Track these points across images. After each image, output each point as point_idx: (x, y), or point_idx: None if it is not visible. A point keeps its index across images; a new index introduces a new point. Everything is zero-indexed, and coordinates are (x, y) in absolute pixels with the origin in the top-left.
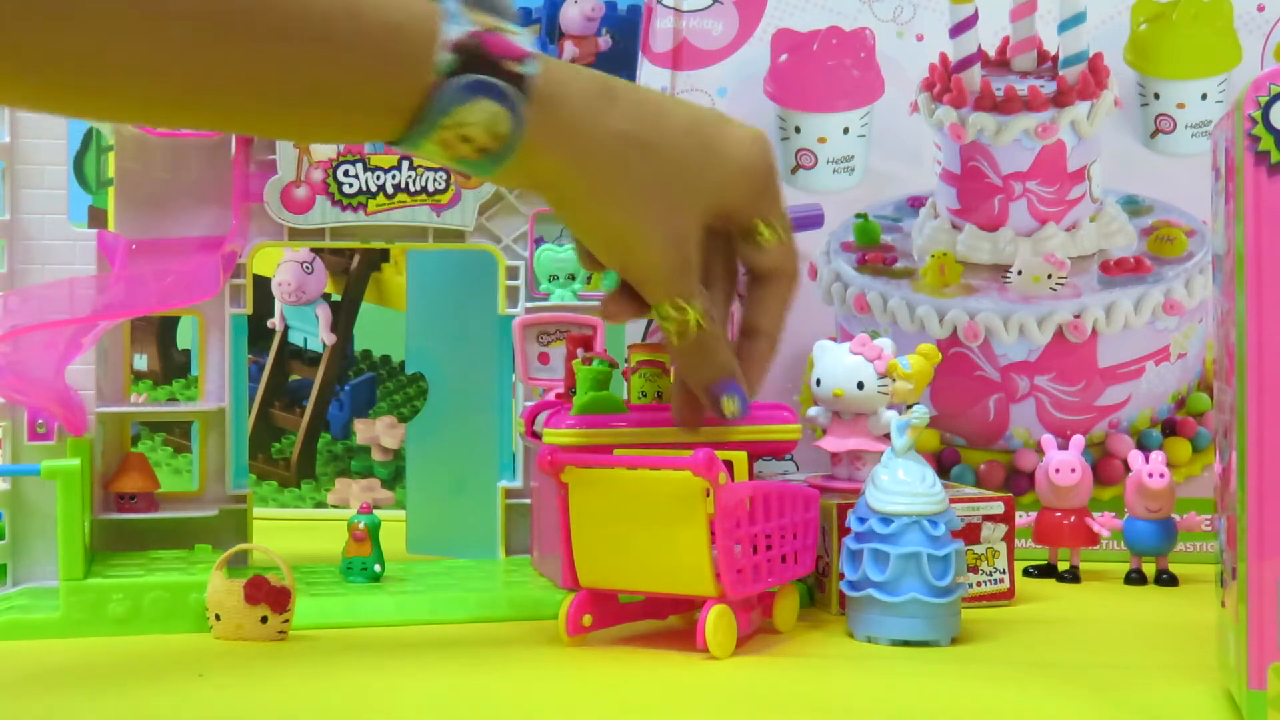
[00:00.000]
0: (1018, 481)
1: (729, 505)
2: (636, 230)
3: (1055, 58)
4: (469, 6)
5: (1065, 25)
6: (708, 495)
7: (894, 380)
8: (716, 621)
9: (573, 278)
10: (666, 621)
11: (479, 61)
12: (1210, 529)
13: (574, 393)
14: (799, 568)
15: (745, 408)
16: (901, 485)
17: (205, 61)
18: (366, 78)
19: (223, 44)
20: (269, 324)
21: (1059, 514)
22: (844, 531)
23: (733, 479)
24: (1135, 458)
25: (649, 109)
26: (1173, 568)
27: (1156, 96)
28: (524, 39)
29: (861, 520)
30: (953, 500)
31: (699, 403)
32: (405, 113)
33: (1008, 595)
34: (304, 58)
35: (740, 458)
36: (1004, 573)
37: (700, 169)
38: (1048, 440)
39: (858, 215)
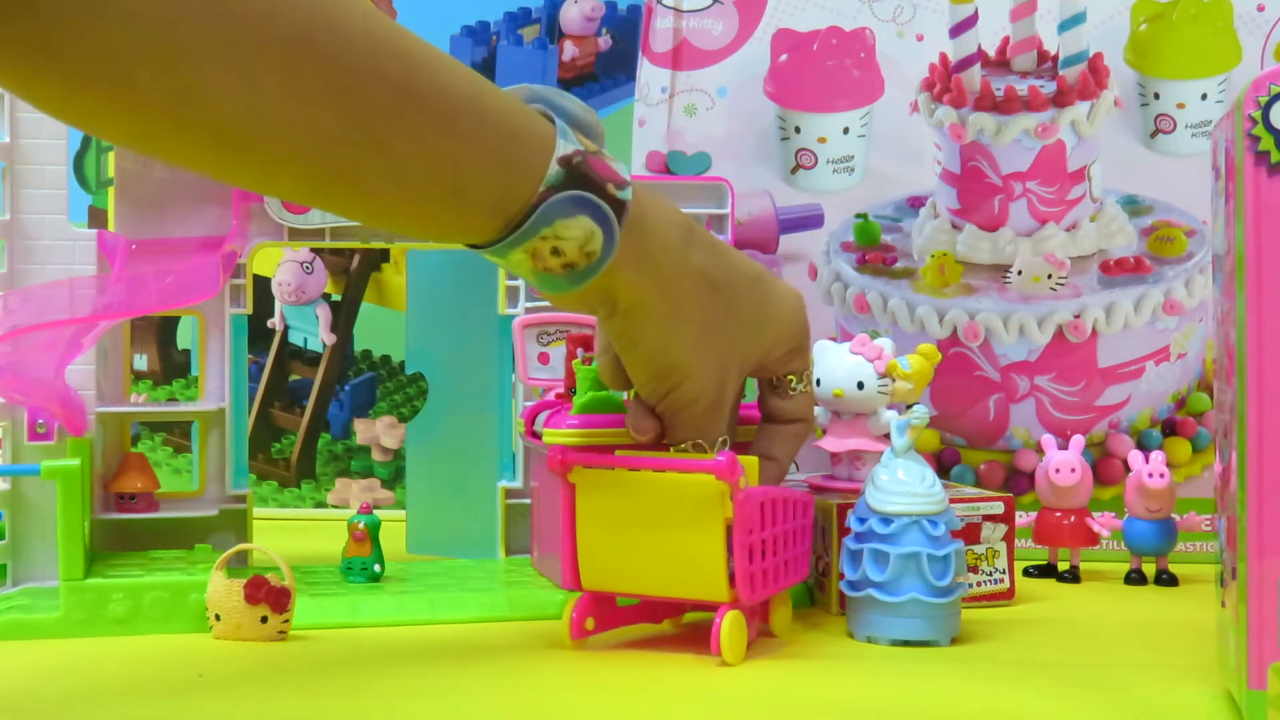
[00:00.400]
0: (1018, 481)
1: (747, 509)
2: (693, 366)
3: (1055, 58)
4: (574, 127)
5: (1065, 25)
6: (727, 499)
7: (894, 380)
8: (731, 627)
9: None
10: (661, 626)
11: (584, 180)
12: (1210, 529)
13: (574, 393)
14: (796, 574)
15: None
16: (901, 485)
17: (355, 154)
18: (488, 177)
19: (374, 138)
20: (269, 324)
21: (1059, 514)
22: (844, 531)
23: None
24: (1135, 458)
25: (722, 252)
26: (1173, 568)
27: (1156, 96)
28: (622, 167)
29: (861, 520)
30: (953, 500)
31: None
32: (509, 216)
33: (1008, 595)
34: (441, 153)
35: (751, 462)
36: (1004, 573)
37: (759, 321)
38: (1048, 440)
39: (858, 215)
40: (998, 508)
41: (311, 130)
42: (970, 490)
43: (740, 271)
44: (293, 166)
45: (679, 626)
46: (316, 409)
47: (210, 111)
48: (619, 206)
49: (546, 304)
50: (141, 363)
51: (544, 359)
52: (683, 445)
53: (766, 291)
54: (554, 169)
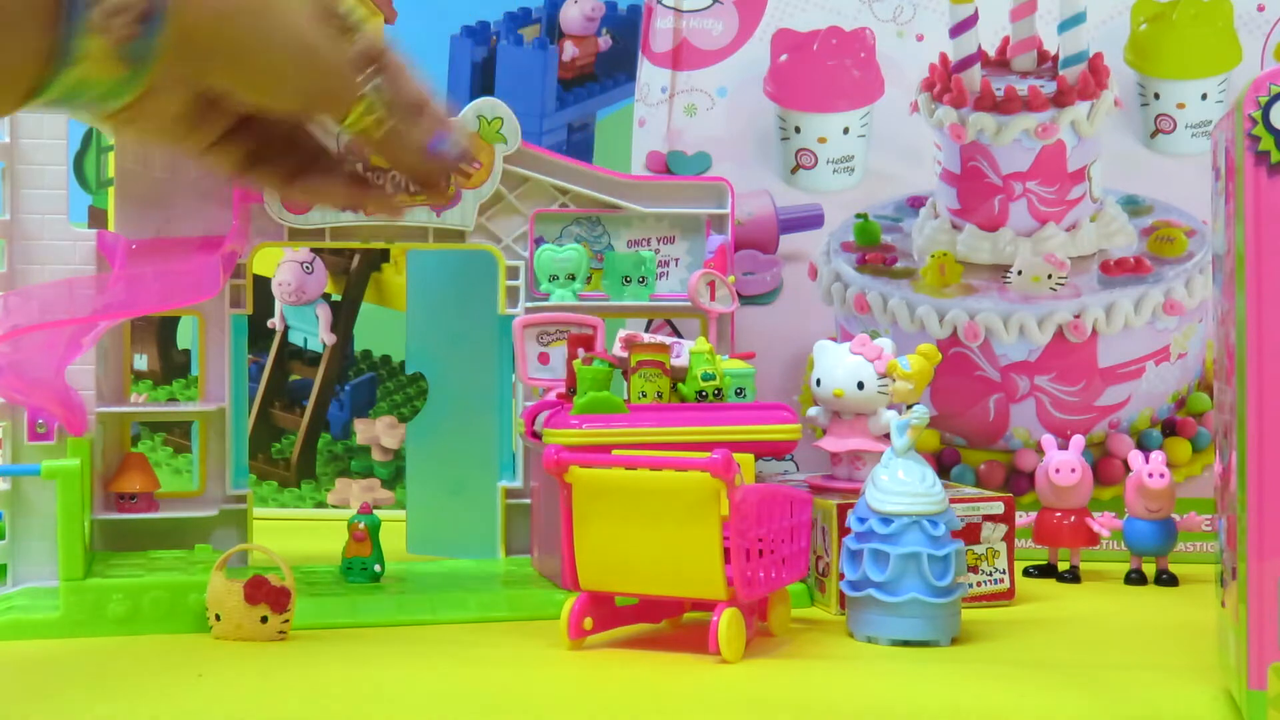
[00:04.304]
0: (1018, 481)
1: (743, 507)
2: (293, 59)
3: (1055, 58)
4: None
5: (1065, 25)
6: (723, 496)
7: (894, 380)
8: (729, 625)
9: (573, 277)
10: (659, 625)
11: None
12: (1210, 529)
13: (574, 393)
14: (794, 572)
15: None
16: (901, 485)
17: None
18: None
19: None
20: (269, 324)
21: (1059, 514)
22: (844, 531)
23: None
24: (1135, 458)
25: None
26: (1173, 568)
27: (1156, 96)
28: None
29: (861, 520)
30: (953, 500)
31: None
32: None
33: (1008, 595)
34: None
35: (747, 460)
36: (1004, 573)
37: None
38: (1048, 440)
39: (858, 215)
40: (998, 508)
41: None
42: (970, 490)
43: None
44: None
45: (677, 626)
46: (316, 409)
47: None
48: None
49: (546, 304)
50: (141, 363)
51: (544, 359)
52: (353, 115)
53: None
54: None
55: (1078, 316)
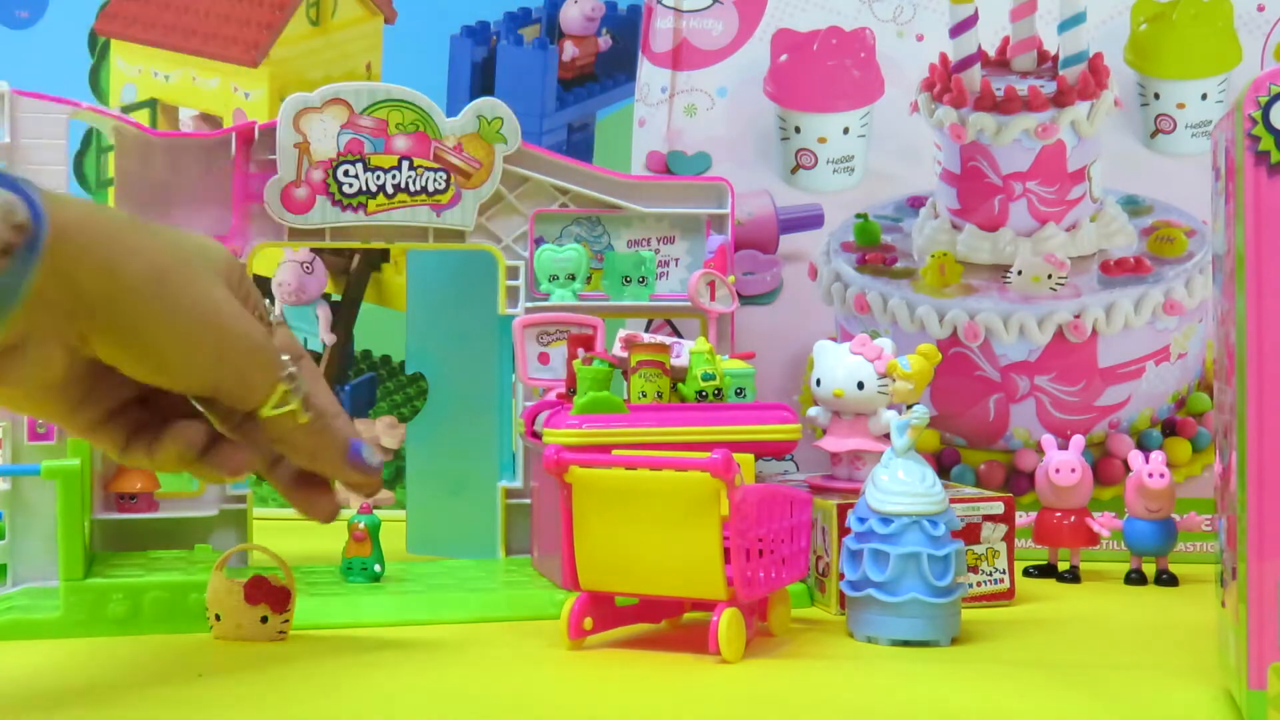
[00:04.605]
0: (1018, 481)
1: (743, 507)
2: (203, 342)
3: (1055, 58)
4: None
5: (1065, 25)
6: (723, 496)
7: (894, 380)
8: (729, 625)
9: (573, 277)
10: (659, 625)
11: None
12: (1210, 529)
13: (574, 393)
14: (794, 572)
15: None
16: (901, 485)
17: None
18: None
19: None
20: None
21: (1059, 514)
22: (844, 531)
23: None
24: (1135, 458)
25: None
26: (1173, 568)
27: (1156, 96)
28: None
29: (861, 520)
30: (953, 500)
31: (323, 486)
32: None
33: (1008, 595)
34: None
35: (747, 460)
36: (1004, 573)
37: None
38: (1048, 440)
39: (858, 215)
40: (998, 508)
41: None
42: (970, 490)
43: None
44: None
45: (677, 626)
46: None
47: None
48: (27, 183)
49: (546, 304)
50: None
51: (544, 359)
52: (275, 399)
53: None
54: None
55: (1078, 316)
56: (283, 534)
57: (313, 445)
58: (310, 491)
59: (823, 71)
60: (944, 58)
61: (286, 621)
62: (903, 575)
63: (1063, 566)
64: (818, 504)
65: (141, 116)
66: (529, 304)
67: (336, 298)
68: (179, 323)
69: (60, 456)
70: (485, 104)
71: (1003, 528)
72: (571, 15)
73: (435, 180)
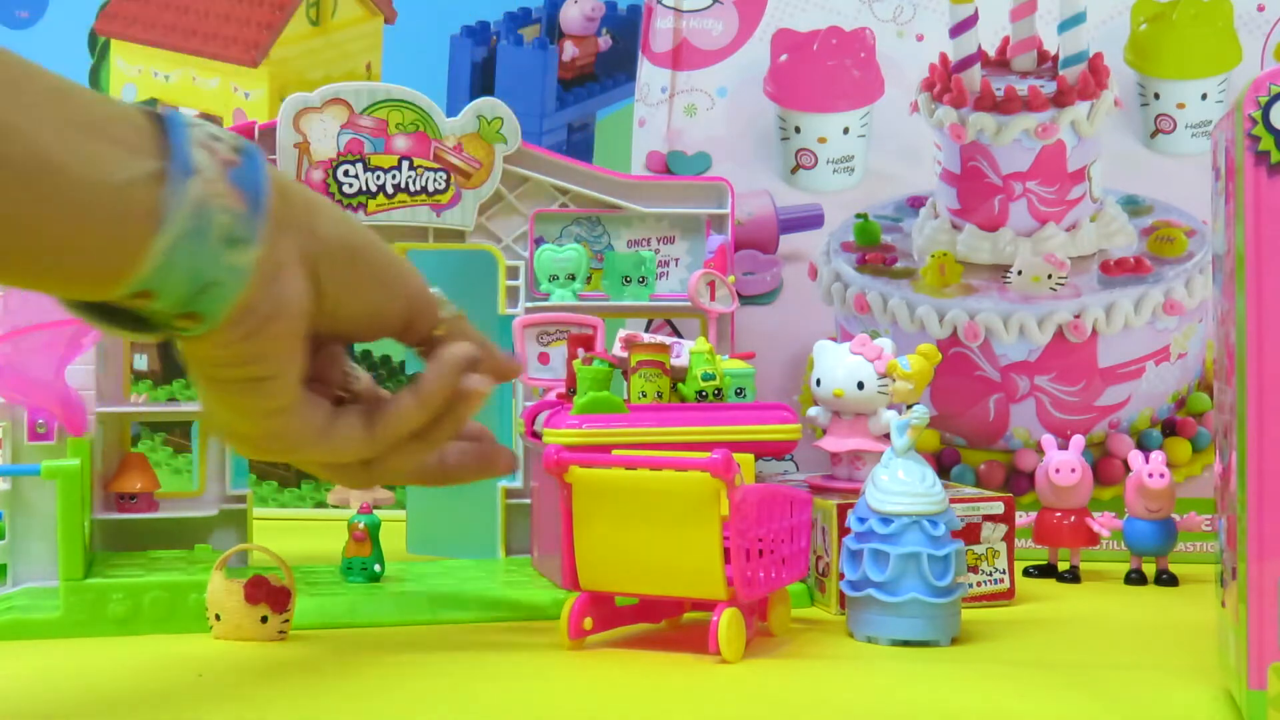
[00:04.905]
0: (1018, 481)
1: (743, 507)
2: (388, 300)
3: (1055, 58)
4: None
5: (1065, 25)
6: (723, 496)
7: (894, 380)
8: (729, 625)
9: (573, 277)
10: (659, 625)
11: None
12: (1210, 529)
13: (574, 393)
14: (794, 572)
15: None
16: (901, 485)
17: None
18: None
19: None
20: None
21: (1059, 514)
22: (844, 531)
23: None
24: (1135, 458)
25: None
26: (1173, 568)
27: (1156, 96)
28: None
29: (861, 520)
30: (953, 500)
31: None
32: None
33: (1008, 595)
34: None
35: (747, 460)
36: (1004, 573)
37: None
38: (1048, 440)
39: (858, 215)
40: (998, 508)
41: None
42: (970, 490)
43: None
44: None
45: (677, 626)
46: None
47: None
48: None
49: (546, 304)
50: (141, 363)
51: (544, 359)
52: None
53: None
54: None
55: (1078, 316)
56: (283, 534)
57: (484, 354)
58: (484, 449)
59: (823, 71)
60: (944, 58)
61: (286, 621)
62: (903, 575)
63: (1063, 566)
64: (818, 504)
65: None
66: (529, 304)
67: None
68: (393, 260)
69: (60, 456)
70: (485, 104)
71: (1003, 528)
72: (571, 15)
73: (435, 180)
